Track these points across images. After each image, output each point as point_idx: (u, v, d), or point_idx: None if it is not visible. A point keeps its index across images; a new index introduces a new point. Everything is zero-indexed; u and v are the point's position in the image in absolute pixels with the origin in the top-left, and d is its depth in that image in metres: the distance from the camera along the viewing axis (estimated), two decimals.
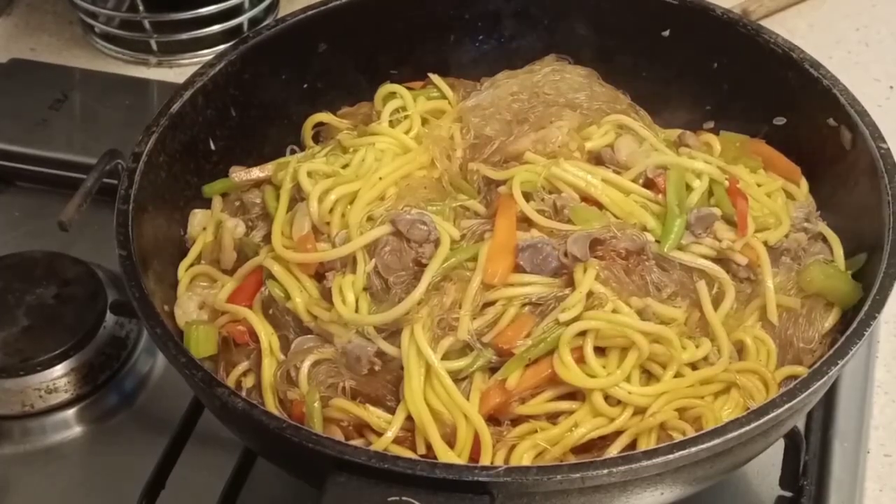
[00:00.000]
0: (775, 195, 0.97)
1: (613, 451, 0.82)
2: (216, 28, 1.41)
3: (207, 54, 1.36)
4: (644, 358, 0.84)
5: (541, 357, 0.84)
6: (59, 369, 1.06)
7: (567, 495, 0.76)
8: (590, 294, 0.84)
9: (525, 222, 0.90)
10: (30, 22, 1.51)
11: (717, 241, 0.90)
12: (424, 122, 1.03)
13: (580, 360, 0.83)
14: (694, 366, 0.86)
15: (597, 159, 0.97)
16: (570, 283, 0.85)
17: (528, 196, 0.91)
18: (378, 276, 0.87)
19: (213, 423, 0.90)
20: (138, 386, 1.10)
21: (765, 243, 0.92)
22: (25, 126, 1.30)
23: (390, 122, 1.02)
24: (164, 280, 0.94)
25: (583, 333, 0.83)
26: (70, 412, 1.07)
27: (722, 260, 0.90)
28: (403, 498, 0.73)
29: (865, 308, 0.83)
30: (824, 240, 0.97)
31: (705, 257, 0.89)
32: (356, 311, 0.86)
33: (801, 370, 0.88)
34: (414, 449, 0.83)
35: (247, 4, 1.41)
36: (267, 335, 0.90)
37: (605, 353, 0.84)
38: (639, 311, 0.85)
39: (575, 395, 0.84)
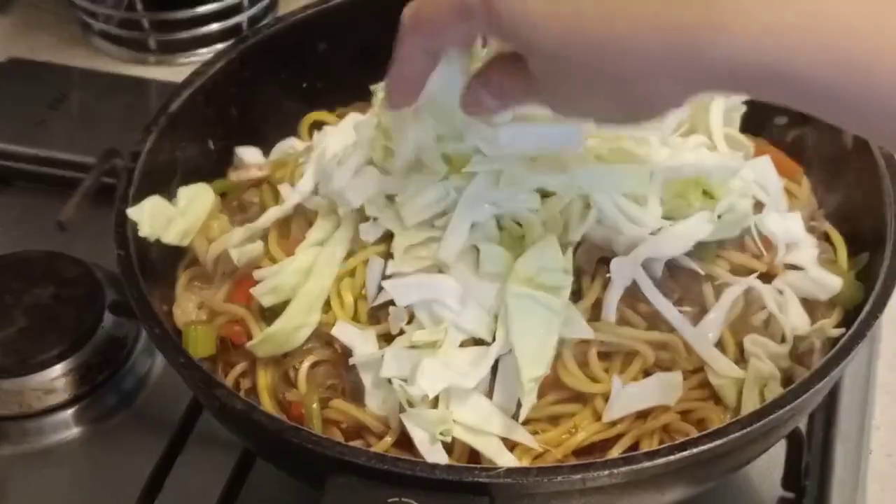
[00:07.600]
0: None
1: (615, 453, 0.81)
2: (215, 27, 1.40)
3: (206, 53, 1.36)
4: (649, 365, 0.83)
5: None
6: (57, 370, 1.06)
7: (567, 497, 0.75)
8: (596, 303, 0.83)
9: None
10: (28, 21, 1.51)
11: None
12: None
13: (584, 364, 0.83)
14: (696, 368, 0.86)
15: None
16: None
17: None
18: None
19: (212, 423, 0.90)
20: (137, 386, 1.09)
21: None
22: (24, 125, 1.30)
23: None
24: (163, 280, 0.94)
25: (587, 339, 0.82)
26: (68, 413, 1.07)
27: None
28: (403, 499, 0.73)
29: (867, 308, 0.83)
30: (826, 239, 0.96)
31: None
32: (355, 313, 0.86)
33: (803, 371, 0.87)
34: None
35: (246, 3, 1.41)
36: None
37: (609, 357, 0.83)
38: (646, 317, 0.84)
39: (577, 397, 0.84)
